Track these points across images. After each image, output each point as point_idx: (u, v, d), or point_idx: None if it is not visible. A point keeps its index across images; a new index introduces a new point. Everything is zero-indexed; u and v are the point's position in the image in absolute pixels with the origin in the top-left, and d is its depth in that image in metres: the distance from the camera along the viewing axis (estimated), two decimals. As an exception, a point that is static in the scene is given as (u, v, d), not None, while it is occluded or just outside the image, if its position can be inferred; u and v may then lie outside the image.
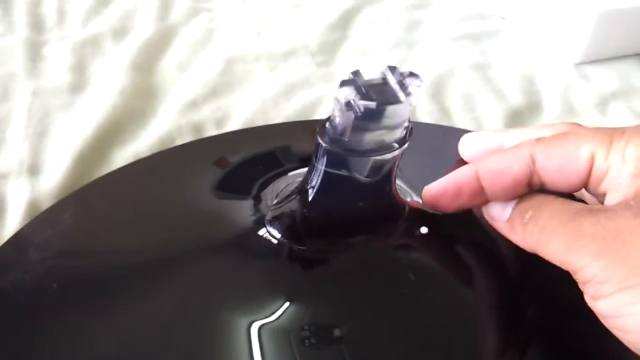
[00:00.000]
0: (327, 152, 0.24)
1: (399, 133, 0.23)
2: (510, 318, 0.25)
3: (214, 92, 0.41)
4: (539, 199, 0.23)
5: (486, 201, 0.25)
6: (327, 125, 0.23)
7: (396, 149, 0.24)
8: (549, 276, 0.24)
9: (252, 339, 0.23)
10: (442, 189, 0.26)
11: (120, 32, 0.45)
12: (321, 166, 0.25)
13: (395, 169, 0.26)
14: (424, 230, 0.27)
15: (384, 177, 0.25)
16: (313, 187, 0.25)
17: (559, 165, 0.23)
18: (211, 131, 0.38)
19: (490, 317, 0.25)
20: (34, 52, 0.43)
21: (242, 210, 0.29)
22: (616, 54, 0.48)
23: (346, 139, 0.23)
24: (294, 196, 0.27)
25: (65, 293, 0.26)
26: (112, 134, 0.37)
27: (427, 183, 0.27)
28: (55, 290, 0.26)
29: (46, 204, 0.32)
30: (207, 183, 0.31)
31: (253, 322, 0.24)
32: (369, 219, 0.27)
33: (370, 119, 0.22)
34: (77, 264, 0.28)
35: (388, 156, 0.24)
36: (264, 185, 0.29)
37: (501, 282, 0.27)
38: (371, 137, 0.23)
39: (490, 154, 0.26)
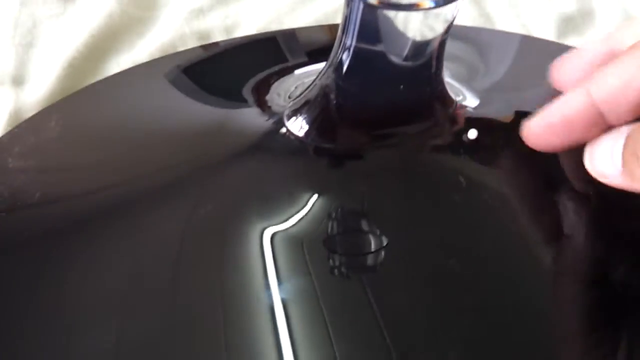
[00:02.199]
0: (360, 14, 0.19)
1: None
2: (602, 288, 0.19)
3: (222, -1, 0.36)
4: None
5: (607, 129, 0.19)
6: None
7: (442, 4, 0.19)
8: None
9: (273, 250, 0.19)
10: (546, 125, 0.20)
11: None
12: (351, 41, 0.20)
13: (441, 52, 0.21)
14: (473, 133, 0.22)
15: (428, 60, 0.21)
16: (341, 70, 0.21)
17: None
18: (218, 40, 0.33)
19: (571, 278, 0.19)
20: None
21: (249, 112, 0.25)
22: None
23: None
24: (316, 83, 0.22)
25: (51, 204, 0.22)
26: (107, 43, 0.32)
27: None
28: (37, 200, 0.22)
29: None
30: (206, 91, 0.27)
31: (276, 230, 0.19)
32: (409, 111, 0.22)
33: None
34: (65, 175, 0.24)
35: (434, 19, 0.19)
36: (264, 87, 0.25)
37: (587, 231, 0.20)
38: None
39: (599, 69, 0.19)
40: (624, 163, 0.18)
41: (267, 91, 0.26)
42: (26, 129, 0.26)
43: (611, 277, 0.19)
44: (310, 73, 0.25)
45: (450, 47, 0.21)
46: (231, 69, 0.30)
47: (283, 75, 0.27)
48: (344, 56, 0.20)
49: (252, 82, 0.27)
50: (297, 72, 0.27)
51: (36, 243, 0.20)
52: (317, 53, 0.29)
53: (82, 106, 0.27)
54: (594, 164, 0.19)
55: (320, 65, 0.24)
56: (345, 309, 0.18)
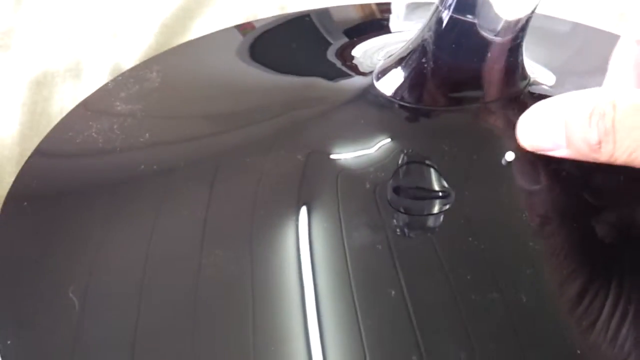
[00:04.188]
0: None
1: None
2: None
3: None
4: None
5: None
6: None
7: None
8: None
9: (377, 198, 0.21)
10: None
11: None
12: (448, 10, 0.22)
13: (525, 27, 0.23)
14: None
15: (514, 37, 0.23)
16: (435, 36, 0.23)
17: None
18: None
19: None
20: None
21: (338, 74, 0.27)
22: None
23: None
24: (408, 47, 0.24)
25: (160, 144, 0.24)
26: (196, 7, 0.34)
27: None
28: (148, 140, 0.24)
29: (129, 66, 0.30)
30: (286, 54, 0.29)
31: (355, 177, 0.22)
32: (491, 79, 0.24)
33: None
34: (171, 119, 0.26)
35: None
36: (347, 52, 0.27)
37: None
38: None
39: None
40: (568, 143, 0.18)
41: (351, 56, 0.28)
42: (129, 77, 0.28)
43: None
44: (393, 40, 0.28)
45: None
46: (305, 38, 0.32)
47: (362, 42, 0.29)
48: (440, 24, 0.22)
49: (334, 47, 0.29)
50: (379, 39, 0.29)
51: (149, 177, 0.23)
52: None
53: (181, 60, 0.29)
54: (532, 142, 0.20)
55: (400, 35, 0.26)
56: (413, 257, 0.20)
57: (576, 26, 0.34)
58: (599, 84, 0.28)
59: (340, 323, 0.18)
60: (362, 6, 0.35)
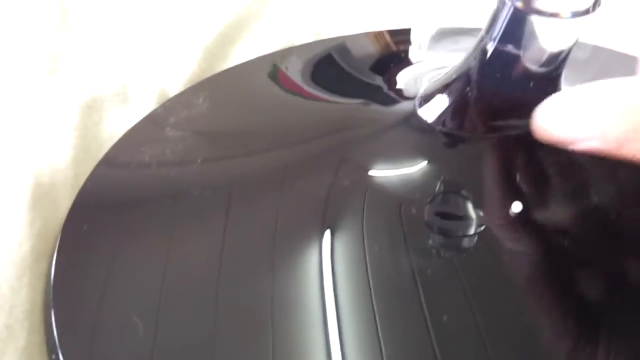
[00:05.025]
0: (508, 18, 0.22)
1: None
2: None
3: None
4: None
5: None
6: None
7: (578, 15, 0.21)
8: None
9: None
10: None
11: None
12: (493, 42, 0.23)
13: (567, 58, 0.24)
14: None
15: (557, 66, 0.23)
16: (479, 66, 0.24)
17: None
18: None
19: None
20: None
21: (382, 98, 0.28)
22: None
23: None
24: (451, 76, 0.25)
25: (213, 170, 0.25)
26: (236, 33, 0.35)
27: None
28: (200, 165, 0.25)
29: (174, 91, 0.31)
30: (333, 83, 0.30)
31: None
32: (532, 107, 0.25)
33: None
34: (221, 145, 0.27)
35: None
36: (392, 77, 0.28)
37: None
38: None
39: None
40: (601, 135, 0.16)
41: (394, 81, 0.29)
42: (177, 103, 0.29)
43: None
44: (434, 67, 0.29)
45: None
46: (341, 63, 0.33)
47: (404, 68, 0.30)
48: (484, 55, 0.23)
49: (374, 74, 0.30)
50: (418, 66, 0.30)
51: (204, 200, 0.24)
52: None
53: (227, 86, 0.30)
54: (554, 132, 0.18)
55: (441, 62, 0.27)
56: (449, 283, 0.20)
57: (596, 49, 0.34)
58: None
59: (365, 350, 0.19)
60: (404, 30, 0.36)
